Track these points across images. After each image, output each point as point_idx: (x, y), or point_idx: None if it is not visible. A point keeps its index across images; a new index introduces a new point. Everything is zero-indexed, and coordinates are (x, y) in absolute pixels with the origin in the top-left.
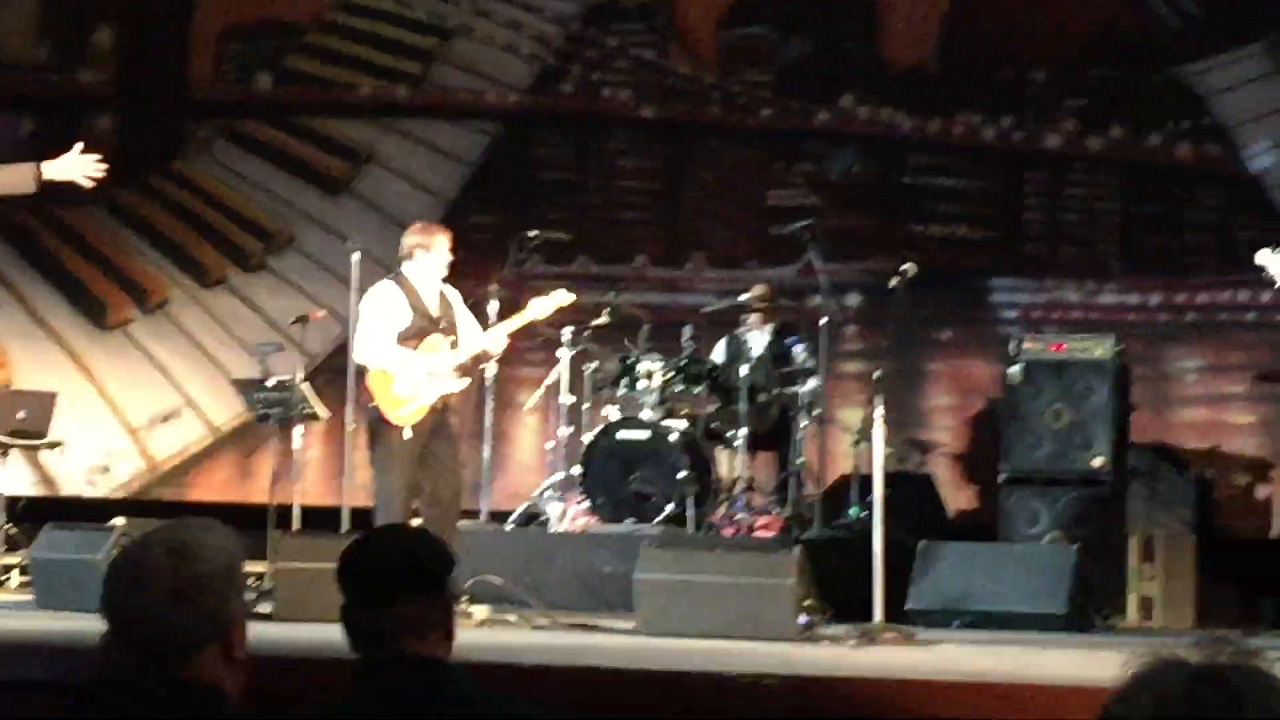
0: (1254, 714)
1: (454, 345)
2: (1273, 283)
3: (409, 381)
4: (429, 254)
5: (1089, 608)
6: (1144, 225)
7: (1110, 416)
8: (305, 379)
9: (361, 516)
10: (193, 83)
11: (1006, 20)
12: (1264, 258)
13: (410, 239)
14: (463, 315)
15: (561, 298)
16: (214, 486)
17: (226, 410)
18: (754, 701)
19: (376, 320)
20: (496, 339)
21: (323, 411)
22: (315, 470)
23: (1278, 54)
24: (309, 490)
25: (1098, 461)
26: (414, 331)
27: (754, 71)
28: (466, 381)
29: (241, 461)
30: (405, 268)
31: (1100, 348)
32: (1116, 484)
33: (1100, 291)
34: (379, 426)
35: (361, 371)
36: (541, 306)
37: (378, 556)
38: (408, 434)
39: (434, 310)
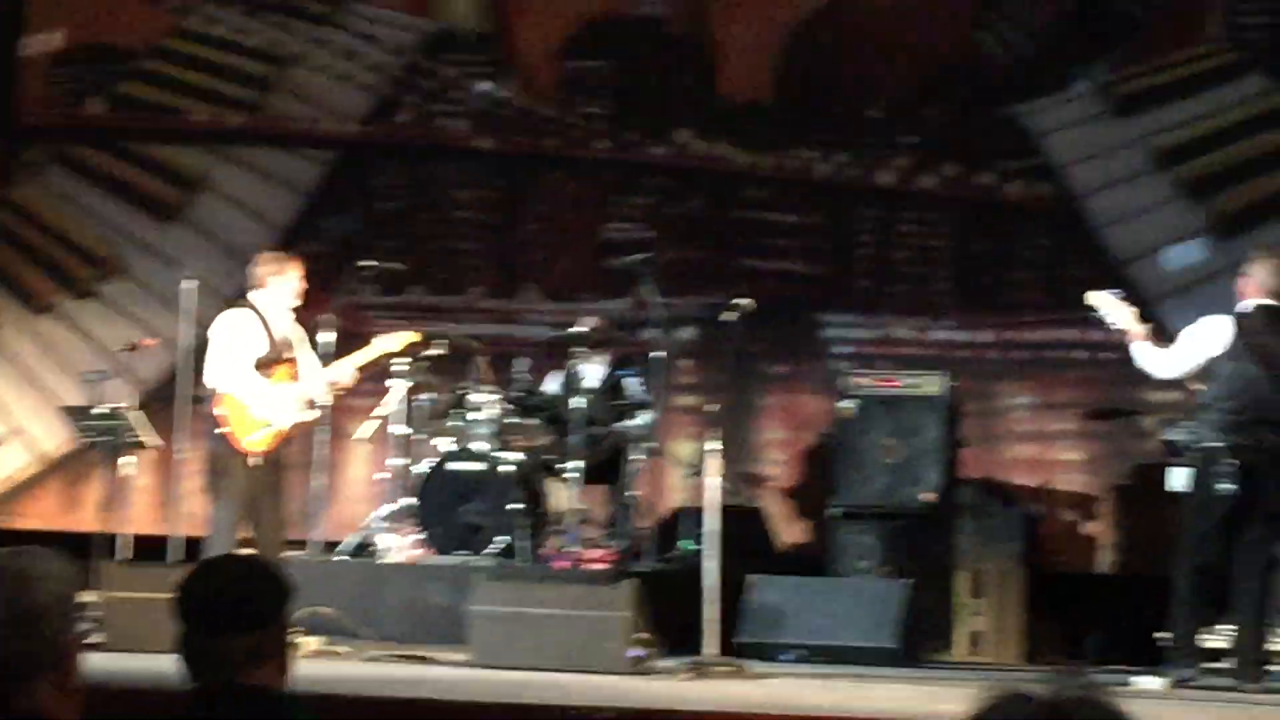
0: None
1: (302, 375)
2: (1103, 323)
3: (262, 409)
4: (281, 283)
5: (918, 642)
6: (975, 263)
7: (940, 452)
8: (135, 407)
9: (191, 546)
10: (23, 107)
11: (841, 57)
12: (1094, 298)
13: (263, 268)
14: (307, 347)
15: (408, 335)
16: (42, 514)
17: (55, 437)
18: None
19: (231, 346)
20: (345, 372)
21: (153, 440)
22: (144, 499)
23: (1107, 95)
24: (137, 519)
25: (928, 496)
26: (266, 360)
27: (591, 104)
28: (316, 413)
29: (69, 489)
30: (256, 296)
31: (931, 384)
32: (946, 519)
33: (932, 328)
34: (224, 453)
35: (201, 398)
36: (389, 342)
37: (214, 586)
38: (253, 461)
39: (284, 340)
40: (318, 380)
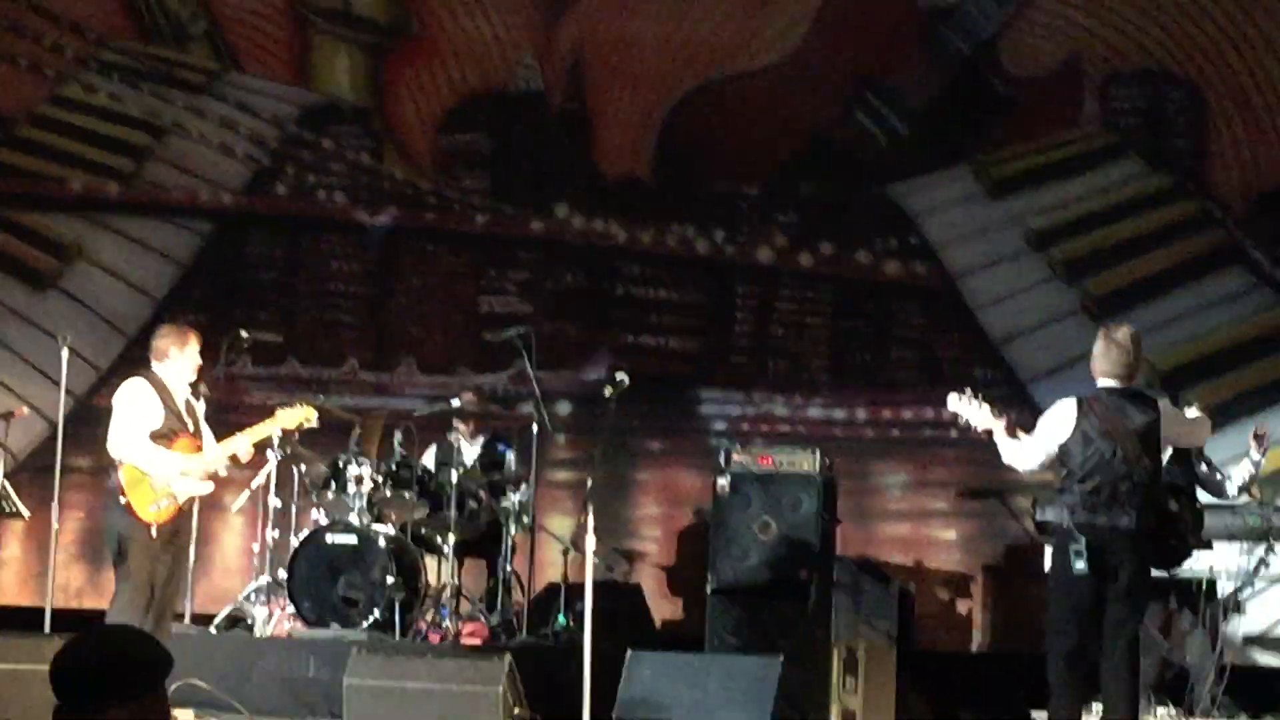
0: None
1: (201, 448)
2: (968, 427)
3: (163, 480)
4: (182, 355)
5: (793, 719)
6: (852, 341)
7: (816, 529)
8: (5, 477)
9: (64, 617)
10: None
11: (720, 134)
12: (955, 404)
13: (163, 340)
14: (203, 420)
15: (308, 412)
16: None
17: None
18: None
19: (132, 415)
20: (244, 445)
21: (24, 510)
22: (13, 570)
23: (983, 176)
24: (6, 589)
25: (803, 574)
26: (165, 430)
27: (470, 178)
28: (211, 486)
29: None
30: (157, 368)
31: (807, 461)
32: (821, 596)
33: (808, 405)
34: (127, 523)
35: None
36: (288, 417)
37: (92, 658)
38: (154, 533)
39: (184, 411)
40: (217, 452)
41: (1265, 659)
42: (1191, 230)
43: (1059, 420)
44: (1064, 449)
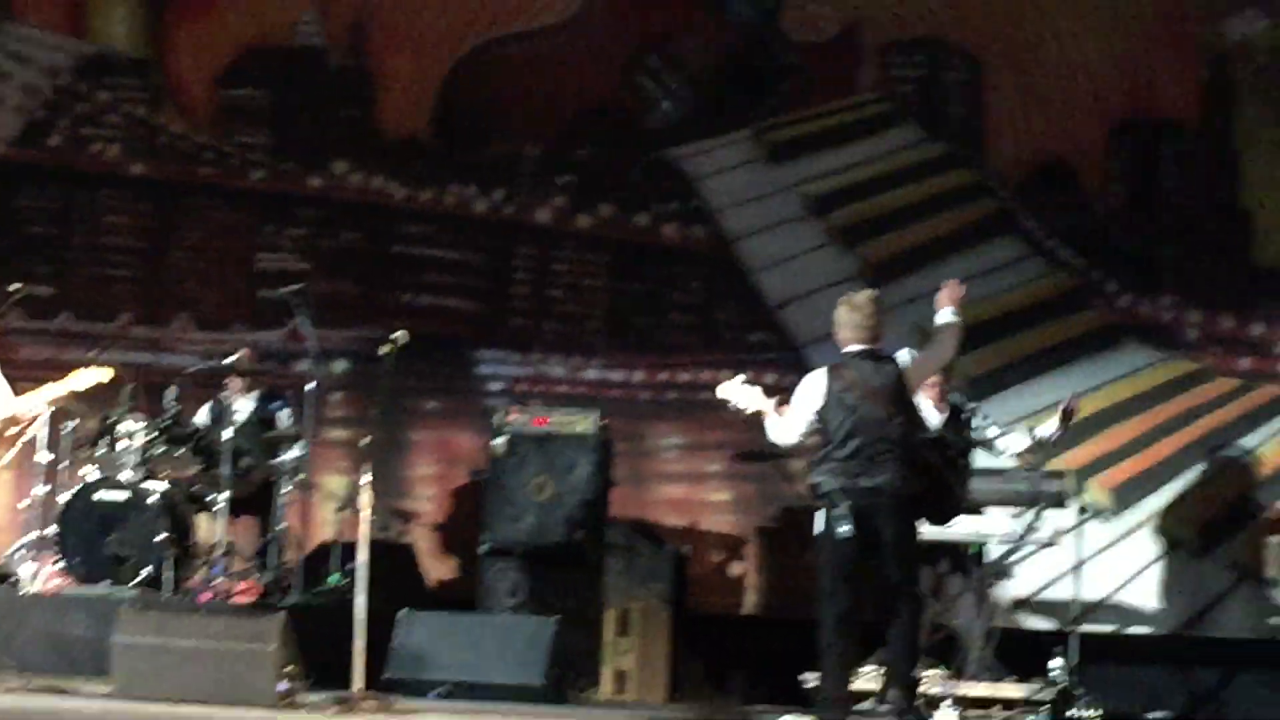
0: None
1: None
2: (739, 413)
3: None
4: None
5: (565, 680)
6: (630, 303)
7: (592, 491)
8: None
9: None
10: None
11: (501, 95)
12: (723, 391)
13: None
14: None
15: (104, 374)
16: None
17: None
18: None
19: None
20: (33, 404)
21: None
22: None
23: (763, 142)
24: None
25: (578, 535)
26: None
27: (248, 133)
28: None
29: None
30: None
31: (584, 422)
32: (595, 558)
33: (585, 367)
34: None
35: None
36: (84, 378)
37: None
38: None
39: None
40: (7, 408)
41: (1032, 622)
42: (967, 199)
43: (811, 389)
44: (820, 416)
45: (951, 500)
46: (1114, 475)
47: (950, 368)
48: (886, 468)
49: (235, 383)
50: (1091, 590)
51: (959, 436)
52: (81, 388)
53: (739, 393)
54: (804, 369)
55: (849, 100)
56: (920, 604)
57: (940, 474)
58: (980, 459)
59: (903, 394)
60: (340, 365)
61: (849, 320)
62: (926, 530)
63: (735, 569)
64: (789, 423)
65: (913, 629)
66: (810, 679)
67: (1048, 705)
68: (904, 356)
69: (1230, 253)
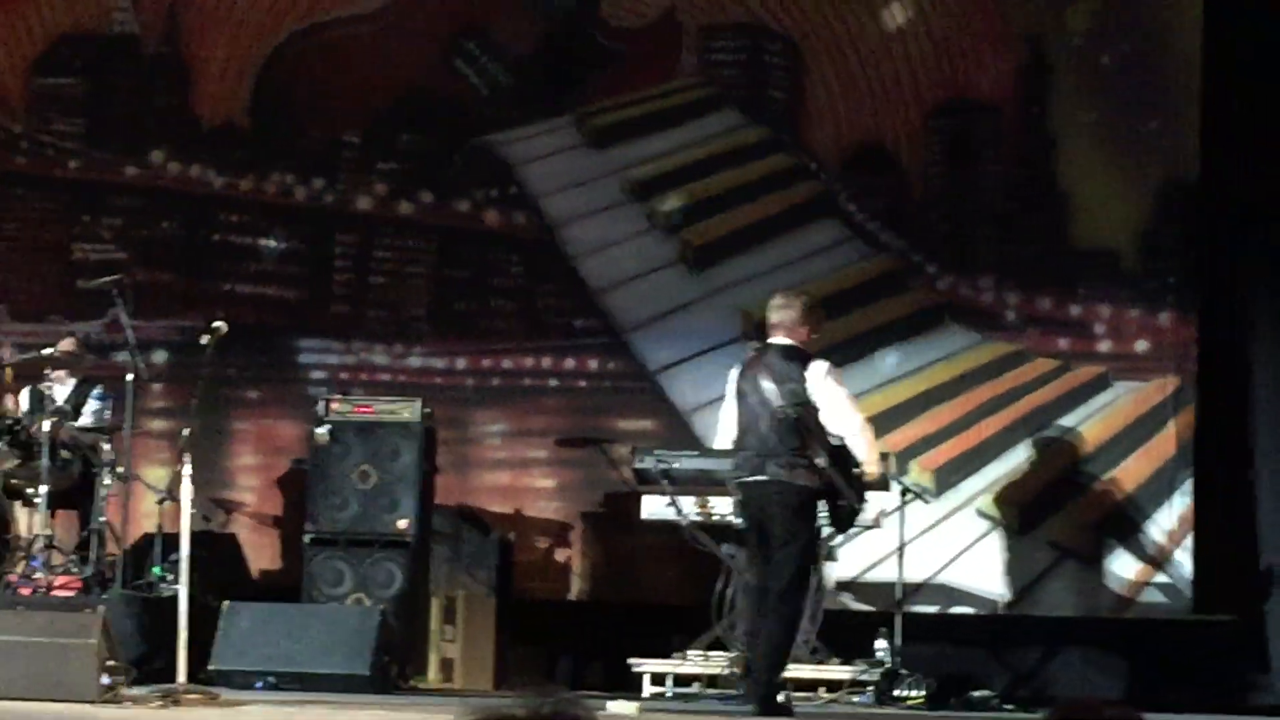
0: None
1: None
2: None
3: None
4: None
5: (391, 668)
6: (452, 290)
7: (416, 478)
8: None
9: None
10: None
11: (319, 81)
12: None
13: None
14: None
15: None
16: None
17: None
18: None
19: None
20: None
21: None
22: None
23: (585, 127)
24: None
25: (403, 523)
26: None
27: (63, 122)
28: None
29: None
30: None
31: (407, 410)
32: (420, 545)
33: (408, 355)
34: None
35: None
36: None
37: None
38: None
39: None
40: None
41: (856, 604)
42: (787, 182)
43: (728, 383)
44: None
45: (847, 506)
46: (935, 457)
47: None
48: (770, 462)
49: (55, 374)
50: (914, 572)
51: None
52: None
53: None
54: (627, 355)
55: (669, 85)
56: (785, 597)
57: (828, 478)
58: None
59: (796, 391)
60: (160, 355)
61: (768, 309)
62: None
63: (561, 555)
64: (721, 424)
65: (775, 620)
66: (635, 663)
67: (873, 686)
68: (817, 369)
69: (1048, 234)
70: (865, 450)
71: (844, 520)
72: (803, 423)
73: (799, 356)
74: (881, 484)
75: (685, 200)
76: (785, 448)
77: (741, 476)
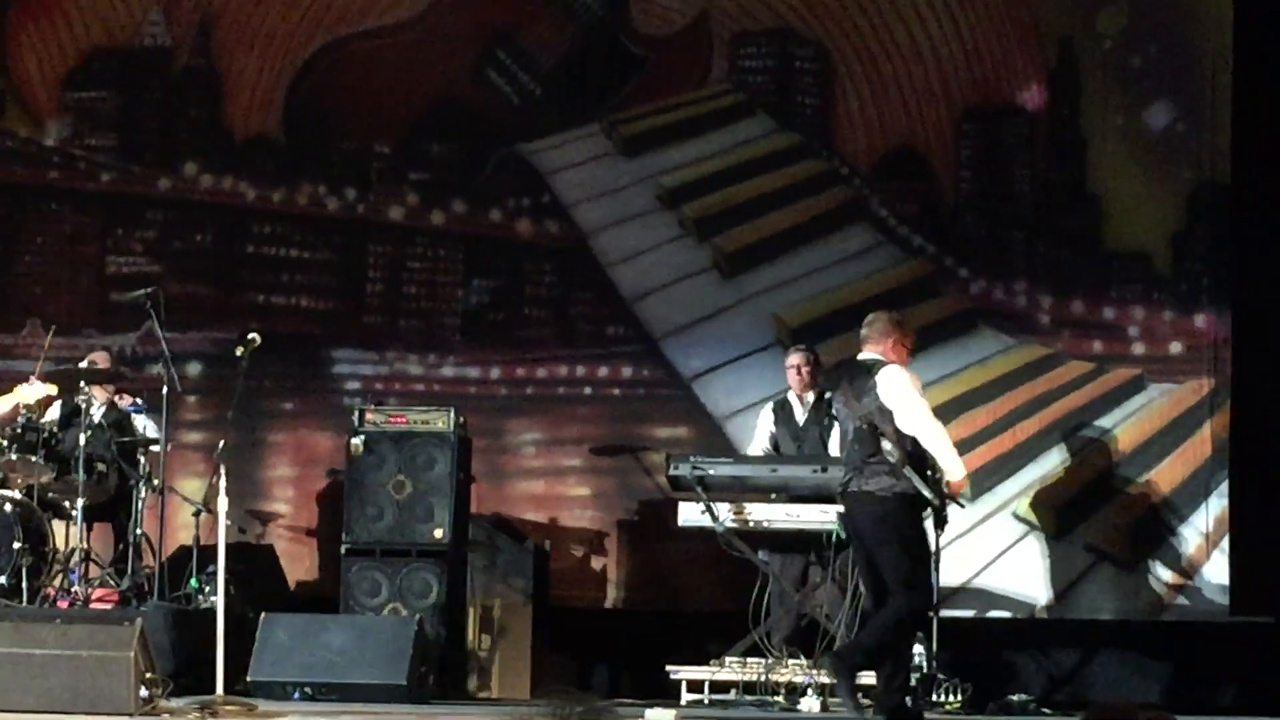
0: None
1: None
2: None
3: None
4: None
5: (429, 678)
6: (485, 299)
7: (451, 488)
8: None
9: None
10: None
11: (350, 92)
12: None
13: None
14: None
15: (48, 388)
16: None
17: None
18: None
19: None
20: None
21: None
22: None
23: (615, 135)
24: None
25: (438, 533)
26: None
27: (95, 136)
28: None
29: None
30: None
31: (441, 420)
32: (456, 555)
33: (442, 364)
34: None
35: None
36: (30, 392)
37: None
38: None
39: None
40: None
41: None
42: (819, 188)
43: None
44: None
45: (939, 506)
46: (970, 461)
47: (818, 358)
48: (860, 473)
49: (90, 388)
50: (951, 576)
51: (823, 424)
52: (30, 399)
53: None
54: (660, 362)
55: (700, 92)
56: (875, 600)
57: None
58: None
59: (872, 401)
60: (194, 368)
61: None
62: (784, 519)
63: (596, 563)
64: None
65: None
66: (672, 670)
67: (910, 690)
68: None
69: (1080, 238)
70: (941, 455)
71: (936, 521)
72: (876, 429)
73: (877, 367)
74: (960, 493)
75: (717, 207)
76: (861, 456)
77: (840, 490)
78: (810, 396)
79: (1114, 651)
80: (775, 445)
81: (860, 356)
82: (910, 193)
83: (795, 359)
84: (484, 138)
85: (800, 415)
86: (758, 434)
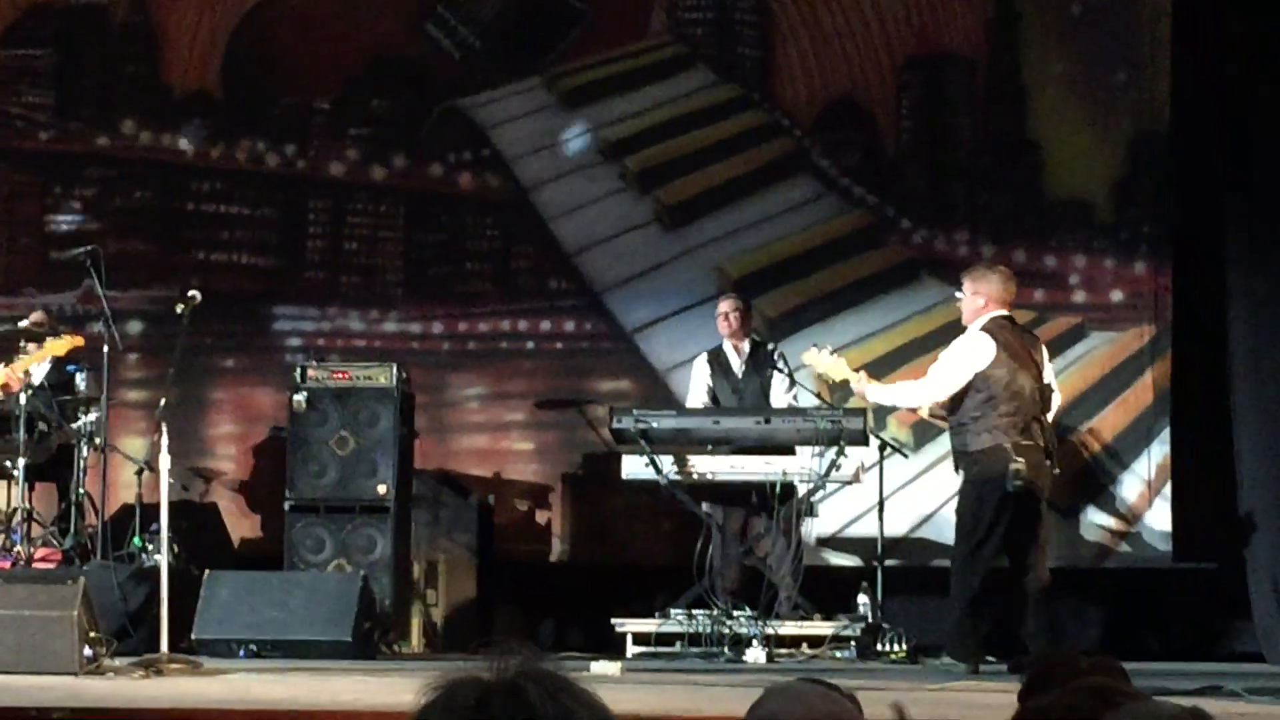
0: (547, 711)
1: None
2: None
3: None
4: None
5: (374, 634)
6: (426, 254)
7: (394, 443)
8: None
9: None
10: None
11: (289, 48)
12: (809, 358)
13: None
14: None
15: (71, 340)
16: None
17: None
18: None
19: None
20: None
21: None
22: None
23: (556, 87)
24: None
25: (382, 489)
26: None
27: (33, 94)
28: None
29: None
30: None
31: (384, 375)
32: (400, 510)
33: (384, 320)
34: None
35: None
36: (57, 345)
37: None
38: None
39: None
40: None
41: (837, 559)
42: (760, 140)
43: (980, 349)
44: (983, 375)
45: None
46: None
47: (749, 305)
48: (1034, 433)
49: (30, 347)
50: (895, 526)
51: (764, 375)
52: (58, 352)
53: (824, 360)
54: (603, 315)
55: (639, 45)
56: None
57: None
58: (780, 399)
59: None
60: (135, 326)
61: (1004, 289)
62: (728, 471)
63: (541, 517)
64: (945, 381)
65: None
66: (618, 623)
67: (855, 641)
68: None
69: (1021, 186)
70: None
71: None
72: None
73: (1029, 331)
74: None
75: (658, 160)
76: (1040, 420)
77: (1018, 440)
78: (746, 346)
79: (1057, 600)
80: (713, 398)
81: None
82: (851, 143)
83: (725, 305)
84: (424, 92)
85: (738, 365)
86: (693, 386)
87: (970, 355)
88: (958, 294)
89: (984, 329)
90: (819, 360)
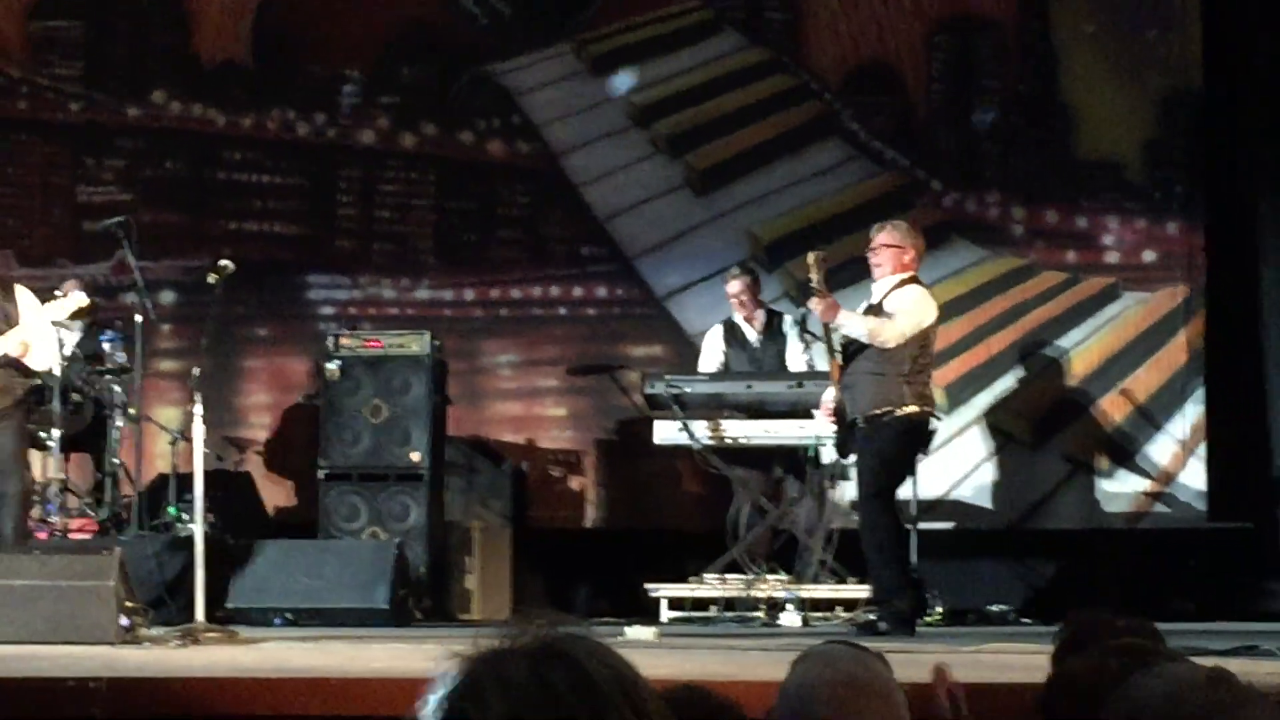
0: (599, 672)
1: None
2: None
3: None
4: None
5: (409, 601)
6: (457, 222)
7: (427, 411)
8: None
9: None
10: None
11: (319, 16)
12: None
13: None
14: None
15: (80, 298)
16: None
17: None
18: (82, 706)
19: None
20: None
21: None
22: None
23: (585, 54)
24: None
25: (415, 456)
26: None
27: (63, 65)
28: None
29: None
30: None
31: (416, 343)
32: (434, 478)
33: (416, 288)
34: None
35: None
36: (78, 300)
37: None
38: None
39: None
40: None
41: None
42: (790, 103)
43: (930, 304)
44: (926, 333)
45: None
46: (945, 374)
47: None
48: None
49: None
50: (928, 488)
51: (780, 343)
52: (62, 315)
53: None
54: (635, 281)
55: (668, 9)
56: None
57: None
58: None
59: None
60: (168, 296)
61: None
62: (761, 435)
63: (574, 483)
64: (907, 331)
65: None
66: (651, 588)
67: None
68: None
69: (1052, 147)
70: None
71: None
72: None
73: None
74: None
75: (688, 124)
76: None
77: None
78: (761, 314)
79: (1092, 561)
80: (726, 366)
81: None
82: (881, 106)
83: (733, 288)
84: (454, 60)
85: (754, 336)
86: (706, 354)
87: (925, 311)
88: (880, 242)
89: (925, 287)
90: (815, 263)
